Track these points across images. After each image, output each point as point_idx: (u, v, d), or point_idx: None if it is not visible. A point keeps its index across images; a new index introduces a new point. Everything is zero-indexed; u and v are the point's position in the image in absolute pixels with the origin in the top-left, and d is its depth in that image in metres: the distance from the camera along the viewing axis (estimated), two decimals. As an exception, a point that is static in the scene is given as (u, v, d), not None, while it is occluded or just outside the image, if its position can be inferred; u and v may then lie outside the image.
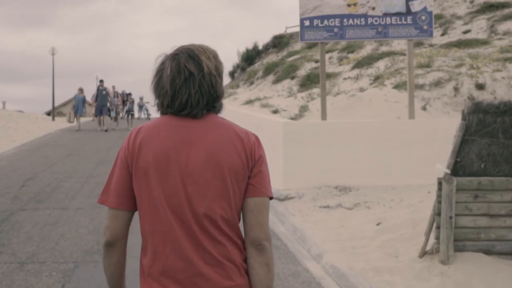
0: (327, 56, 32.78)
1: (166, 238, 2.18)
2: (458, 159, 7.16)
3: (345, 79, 21.17)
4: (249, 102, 23.29)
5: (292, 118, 15.06)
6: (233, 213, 2.21)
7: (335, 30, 11.81)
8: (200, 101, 2.20)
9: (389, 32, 11.77)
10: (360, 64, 22.68)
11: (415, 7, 11.81)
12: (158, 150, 2.18)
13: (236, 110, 19.24)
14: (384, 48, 28.91)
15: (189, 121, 2.24)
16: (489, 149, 7.12)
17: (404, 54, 22.88)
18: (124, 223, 2.25)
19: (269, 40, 46.05)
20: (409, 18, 11.75)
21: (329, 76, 22.15)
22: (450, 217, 6.91)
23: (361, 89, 16.69)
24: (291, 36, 44.61)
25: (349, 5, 11.82)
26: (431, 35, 11.84)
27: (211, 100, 2.24)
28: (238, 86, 38.62)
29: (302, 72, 27.50)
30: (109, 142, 19.77)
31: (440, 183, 7.13)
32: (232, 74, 46.27)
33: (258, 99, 23.16)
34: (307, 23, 11.87)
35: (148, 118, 39.09)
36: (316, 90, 21.19)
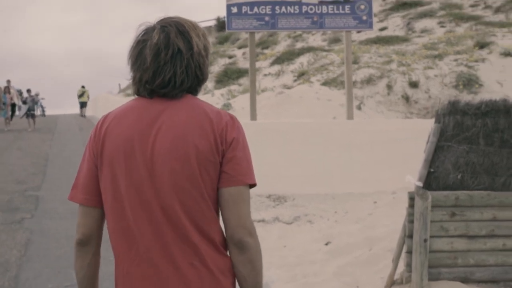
0: (240, 52, 31.84)
1: (131, 239, 2.01)
2: (432, 170, 6.03)
3: (265, 75, 20.07)
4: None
5: (214, 118, 13.63)
6: (206, 207, 2.00)
7: (266, 18, 10.55)
8: (184, 82, 2.03)
9: (325, 22, 10.65)
10: (280, 59, 21.70)
11: (354, -5, 10.72)
12: (122, 138, 2.01)
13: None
14: (299, 45, 28.25)
15: (160, 103, 2.04)
16: (467, 157, 6.03)
17: (324, 51, 22.12)
18: (95, 221, 2.09)
19: None
20: (347, 8, 10.67)
21: (246, 72, 21.01)
22: (425, 240, 5.79)
23: (286, 86, 15.57)
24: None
25: (281, -9, 10.57)
26: (370, 26, 10.84)
27: (195, 82, 2.08)
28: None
29: (216, 68, 26.31)
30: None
31: (412, 199, 5.97)
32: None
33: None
34: (234, 10, 10.55)
35: (43, 115, 36.59)
36: (235, 87, 19.95)
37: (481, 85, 14.46)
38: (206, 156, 1.98)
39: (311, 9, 10.62)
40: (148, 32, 2.06)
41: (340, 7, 10.66)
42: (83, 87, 33.45)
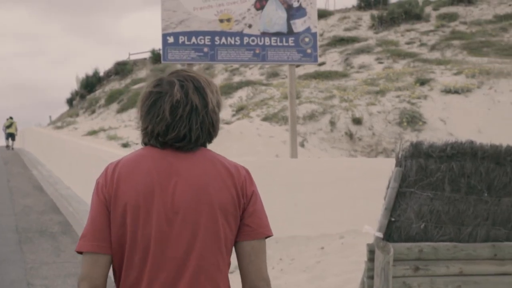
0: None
1: None
2: (393, 219, 5.42)
3: (202, 109, 19.37)
4: (93, 133, 20.84)
5: (148, 154, 12.79)
6: (222, 260, 2.03)
7: (205, 49, 9.92)
8: (199, 138, 2.07)
9: (268, 55, 10.10)
10: (218, 93, 21.04)
11: (298, 27, 10.26)
12: (140, 187, 2.00)
13: (78, 142, 16.67)
14: (237, 78, 27.86)
15: (175, 154, 2.07)
16: (431, 205, 5.46)
17: (263, 85, 21.70)
18: (104, 270, 2.00)
19: (111, 67, 44.43)
20: (290, 40, 10.17)
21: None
22: (387, 299, 5.12)
23: (225, 121, 14.92)
24: (135, 63, 43.63)
25: (221, 21, 10.01)
26: (315, 60, 10.37)
27: (208, 137, 2.12)
28: (77, 115, 36.16)
29: (150, 101, 25.41)
30: None
31: (371, 252, 5.34)
32: (70, 102, 43.89)
33: (103, 129, 20.74)
34: (171, 39, 9.87)
35: None
36: (170, 121, 19.17)
37: (424, 122, 14.26)
38: (228, 209, 2.02)
39: (253, 40, 10.06)
40: (162, 84, 2.08)
41: (284, 39, 10.15)
42: (11, 118, 32.10)
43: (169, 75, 2.14)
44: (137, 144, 15.29)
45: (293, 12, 10.26)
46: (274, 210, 9.33)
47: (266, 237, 2.10)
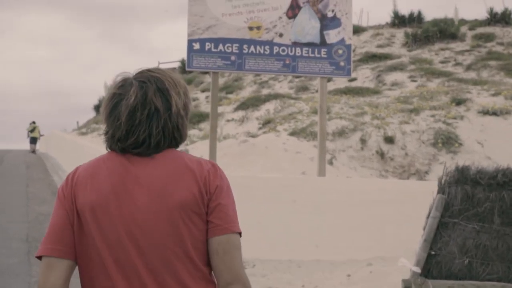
0: (203, 95, 30.79)
1: None
2: (433, 252, 4.83)
3: (228, 121, 18.90)
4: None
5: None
6: (192, 266, 1.92)
7: (232, 58, 9.42)
8: (160, 143, 1.96)
9: (298, 66, 9.56)
10: (245, 105, 20.60)
11: (331, 37, 9.71)
12: (96, 193, 1.92)
13: (98, 148, 16.26)
14: (266, 91, 27.40)
15: (134, 159, 1.97)
16: (478, 238, 4.85)
17: (292, 98, 21.15)
18: (61, 277, 1.89)
19: None
20: (323, 51, 9.62)
21: (208, 116, 19.85)
22: None
23: (250, 134, 14.41)
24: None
25: (251, 28, 9.50)
26: (348, 73, 9.81)
27: (173, 143, 2.01)
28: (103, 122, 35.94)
29: (176, 111, 25.12)
30: None
31: (407, 289, 4.74)
32: (97, 108, 44.05)
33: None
34: (196, 46, 9.39)
35: None
36: (194, 132, 18.71)
37: (460, 144, 13.55)
38: (191, 209, 1.92)
39: (283, 50, 9.54)
40: (125, 85, 1.99)
41: (316, 50, 9.61)
42: (33, 122, 32.19)
43: (134, 75, 2.02)
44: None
45: (327, 22, 9.72)
46: (298, 231, 8.81)
47: (237, 234, 1.96)
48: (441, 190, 4.88)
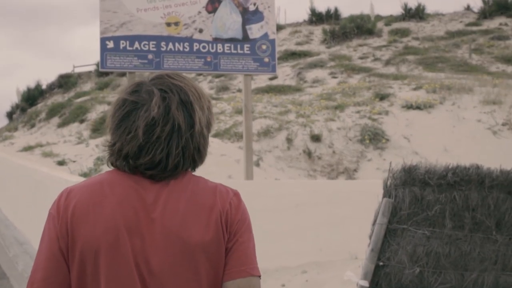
0: (122, 98, 29.83)
1: None
2: (381, 263, 4.40)
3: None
4: (29, 148, 19.32)
5: (85, 174, 11.52)
6: None
7: (150, 56, 8.78)
8: (178, 166, 1.70)
9: (220, 64, 9.02)
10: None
11: (254, 33, 9.23)
12: (103, 229, 1.61)
13: (9, 159, 15.19)
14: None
15: (147, 184, 1.69)
16: (428, 245, 4.49)
17: (214, 99, 20.61)
18: None
19: (55, 79, 43.05)
20: (246, 47, 9.12)
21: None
22: None
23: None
24: (80, 76, 42.44)
25: (168, 24, 8.89)
26: (273, 70, 9.34)
27: (192, 165, 1.76)
28: (16, 129, 34.39)
29: (93, 115, 24.25)
30: None
31: (355, 306, 4.28)
32: (10, 115, 42.27)
33: (40, 145, 19.24)
34: (110, 44, 8.68)
35: None
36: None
37: (387, 140, 13.40)
38: (212, 250, 1.69)
39: (204, 47, 8.96)
40: (140, 92, 1.70)
41: (238, 46, 9.09)
42: None
43: (150, 80, 1.75)
44: (74, 161, 13.91)
45: (249, 16, 9.22)
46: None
47: (257, 277, 1.78)
48: (387, 193, 4.45)
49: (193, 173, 1.82)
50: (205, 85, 27.52)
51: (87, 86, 37.41)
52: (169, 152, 1.68)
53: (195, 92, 1.76)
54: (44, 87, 41.97)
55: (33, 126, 33.01)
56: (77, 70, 43.62)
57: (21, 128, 34.42)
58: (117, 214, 1.65)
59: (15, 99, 42.23)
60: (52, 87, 41.88)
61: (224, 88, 25.78)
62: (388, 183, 4.44)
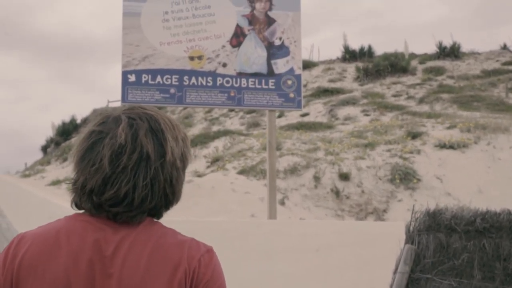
0: (152, 133, 29.87)
1: None
2: (403, 316, 4.00)
3: (175, 159, 18.00)
4: (57, 182, 19.36)
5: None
6: None
7: (172, 90, 8.61)
8: (145, 200, 1.51)
9: (244, 99, 8.80)
10: (193, 143, 19.81)
11: (279, 67, 9.01)
12: (50, 285, 1.44)
13: (36, 193, 15.17)
14: (216, 128, 26.75)
15: (111, 231, 1.50)
16: (455, 297, 4.05)
17: (243, 135, 20.44)
18: None
19: (89, 114, 43.58)
20: (271, 82, 8.89)
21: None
22: None
23: (197, 173, 13.51)
24: (114, 110, 42.59)
25: (192, 58, 8.73)
26: (299, 106, 9.09)
27: (162, 203, 1.56)
28: (49, 163, 34.77)
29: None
30: None
31: None
32: (45, 149, 42.99)
33: (68, 179, 19.22)
34: (132, 78, 8.55)
35: None
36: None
37: (419, 180, 12.97)
38: None
39: (227, 81, 8.77)
40: (107, 122, 1.56)
41: (263, 81, 8.87)
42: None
43: (122, 111, 1.62)
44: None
45: (274, 51, 9.02)
46: (247, 280, 7.95)
47: None
48: (409, 239, 4.10)
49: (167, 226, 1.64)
50: (236, 121, 27.45)
51: (120, 122, 37.69)
52: (136, 183, 1.50)
53: (167, 121, 1.61)
54: (78, 121, 42.63)
55: (65, 160, 33.39)
56: (112, 104, 44.24)
57: (53, 162, 34.78)
58: (70, 268, 1.47)
59: (50, 133, 43.00)
60: (86, 122, 42.49)
61: (255, 124, 25.64)
62: (411, 228, 4.11)
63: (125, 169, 1.50)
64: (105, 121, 1.59)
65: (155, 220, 1.61)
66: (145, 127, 1.55)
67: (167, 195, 1.56)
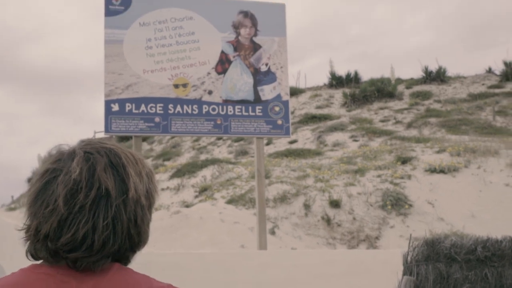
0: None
1: None
2: None
3: (162, 189, 17.74)
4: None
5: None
6: None
7: (157, 119, 8.42)
8: (107, 243, 1.34)
9: (231, 126, 8.63)
10: (181, 172, 19.55)
11: (266, 94, 8.87)
12: None
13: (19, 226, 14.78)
14: (204, 156, 26.54)
15: (75, 281, 1.33)
16: (457, 331, 3.84)
17: (231, 163, 20.21)
18: None
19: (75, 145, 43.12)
20: (258, 109, 8.74)
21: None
22: None
23: (185, 203, 13.26)
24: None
25: (176, 86, 8.57)
26: (287, 133, 8.91)
27: (127, 245, 1.38)
28: (34, 195, 34.27)
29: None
30: None
31: None
32: (29, 181, 42.21)
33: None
34: (115, 107, 8.36)
35: None
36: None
37: (410, 205, 12.77)
38: None
39: (213, 109, 8.59)
40: (63, 159, 1.40)
41: (250, 108, 8.70)
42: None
43: (78, 146, 1.43)
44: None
45: (261, 77, 8.87)
46: (237, 315, 7.67)
47: None
48: (407, 270, 3.90)
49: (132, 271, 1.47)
50: (224, 149, 27.25)
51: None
52: (95, 224, 1.33)
53: (130, 155, 1.46)
54: (64, 152, 42.34)
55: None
56: (98, 135, 43.98)
57: (39, 194, 34.39)
58: None
59: (36, 165, 42.46)
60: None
61: (243, 152, 25.45)
62: (409, 258, 3.91)
63: (82, 208, 1.34)
64: (60, 158, 1.43)
65: (124, 266, 1.44)
66: (103, 162, 1.40)
67: (131, 236, 1.39)
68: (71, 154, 1.43)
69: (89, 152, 1.42)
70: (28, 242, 1.40)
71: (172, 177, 19.99)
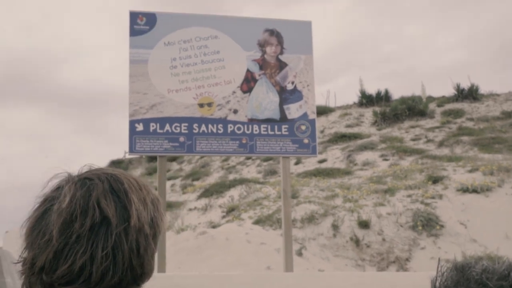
0: (169, 184, 29.70)
1: None
2: None
3: (190, 210, 17.67)
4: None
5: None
6: None
7: (181, 139, 8.36)
8: (107, 275, 1.23)
9: (256, 146, 8.52)
10: (209, 192, 19.48)
11: (292, 112, 8.76)
12: None
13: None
14: (232, 176, 26.46)
15: None
16: None
17: (259, 183, 20.08)
18: None
19: (106, 165, 43.53)
20: (284, 128, 8.61)
21: (170, 206, 18.69)
22: None
23: (212, 224, 13.14)
24: (131, 161, 42.98)
25: (201, 105, 8.50)
26: (314, 152, 8.77)
27: (129, 278, 1.27)
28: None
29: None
30: None
31: None
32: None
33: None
34: (139, 127, 8.32)
35: None
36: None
37: (442, 226, 12.48)
38: None
39: (238, 128, 8.51)
40: (60, 187, 1.32)
41: (276, 127, 8.59)
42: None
43: (79, 173, 1.35)
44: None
45: (287, 96, 8.77)
46: None
47: None
48: (436, 296, 3.64)
49: None
50: (253, 169, 27.14)
51: (138, 172, 37.76)
52: (93, 254, 1.23)
53: (133, 181, 1.36)
54: (94, 173, 42.81)
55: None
56: (129, 156, 44.44)
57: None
58: None
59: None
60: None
61: (272, 172, 25.30)
62: (437, 284, 3.69)
63: (79, 238, 1.24)
64: (60, 186, 1.34)
65: None
66: (102, 187, 1.30)
67: (133, 267, 1.28)
68: (69, 181, 1.35)
69: (88, 178, 1.34)
70: (23, 276, 1.31)
71: (200, 197, 19.94)
